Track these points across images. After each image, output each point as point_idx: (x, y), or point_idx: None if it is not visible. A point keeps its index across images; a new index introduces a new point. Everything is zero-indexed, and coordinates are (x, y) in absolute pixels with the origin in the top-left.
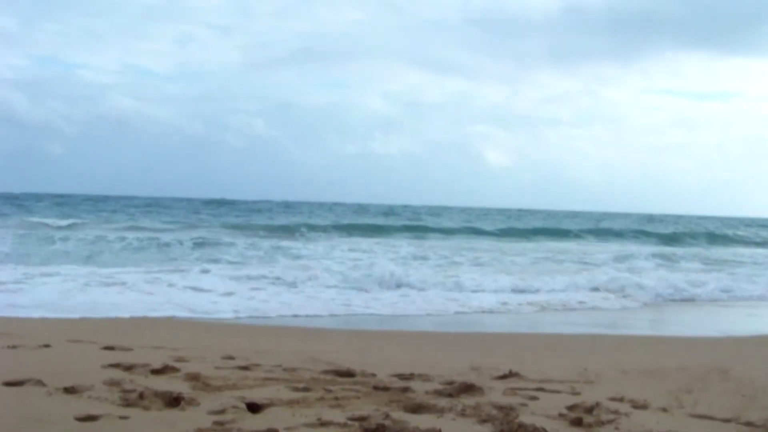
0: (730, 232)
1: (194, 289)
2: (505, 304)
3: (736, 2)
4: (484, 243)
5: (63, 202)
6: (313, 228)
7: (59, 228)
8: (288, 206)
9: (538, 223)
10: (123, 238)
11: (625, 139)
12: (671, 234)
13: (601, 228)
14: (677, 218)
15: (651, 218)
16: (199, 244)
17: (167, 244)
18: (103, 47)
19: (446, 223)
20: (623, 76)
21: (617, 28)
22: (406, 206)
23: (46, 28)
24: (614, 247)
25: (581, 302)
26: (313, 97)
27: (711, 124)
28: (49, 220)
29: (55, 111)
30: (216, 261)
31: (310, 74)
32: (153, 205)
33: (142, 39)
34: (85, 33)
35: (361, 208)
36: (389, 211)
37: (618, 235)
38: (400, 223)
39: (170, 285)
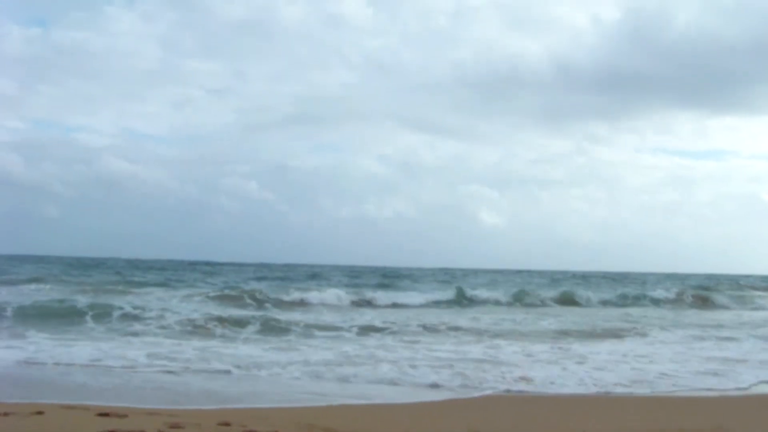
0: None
1: None
2: None
3: (725, 60)
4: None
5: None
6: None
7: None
8: (291, 269)
9: (553, 287)
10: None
11: (619, 198)
12: None
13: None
14: (685, 276)
15: (671, 276)
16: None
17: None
18: (99, 110)
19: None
20: (616, 134)
21: (608, 88)
22: (411, 269)
23: (43, 92)
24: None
25: None
26: (307, 159)
27: (705, 182)
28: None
29: (51, 173)
30: None
31: (305, 137)
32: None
33: (138, 102)
34: (82, 96)
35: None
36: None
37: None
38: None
39: None
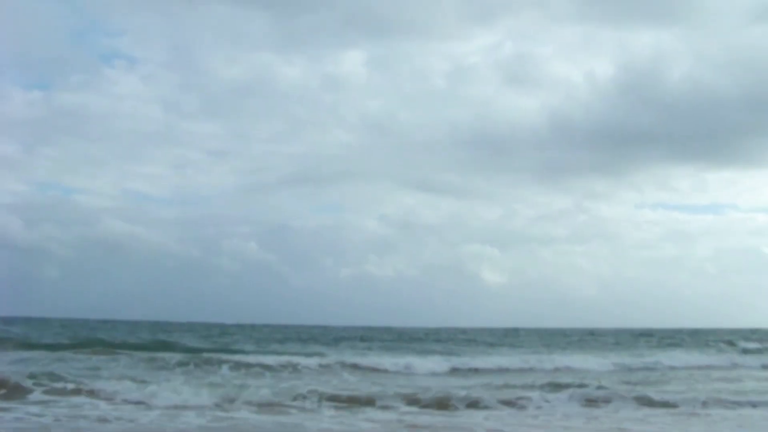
0: None
1: None
2: None
3: (719, 114)
4: None
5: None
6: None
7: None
8: (299, 331)
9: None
10: None
11: (621, 254)
12: None
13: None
14: (694, 331)
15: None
16: None
17: None
18: (100, 172)
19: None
20: (615, 190)
21: (605, 143)
22: (415, 329)
23: (45, 154)
24: None
25: None
26: (307, 219)
27: (705, 236)
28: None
29: (50, 235)
30: None
31: (305, 197)
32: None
33: (139, 163)
34: (83, 158)
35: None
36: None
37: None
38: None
39: None
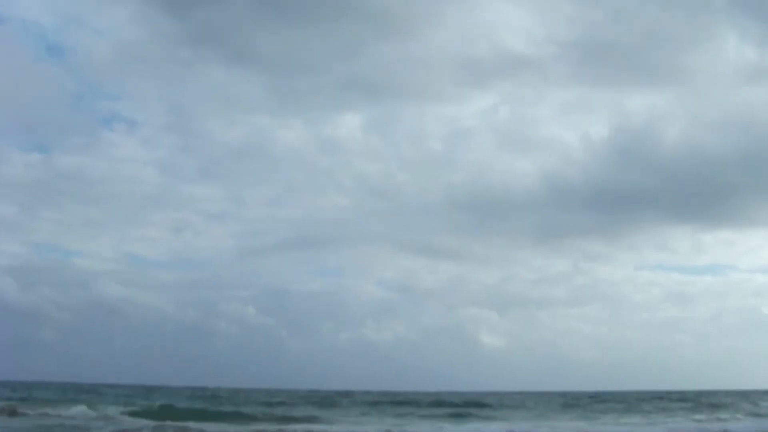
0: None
1: None
2: None
3: (715, 174)
4: None
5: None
6: None
7: None
8: (303, 396)
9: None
10: None
11: (620, 316)
12: None
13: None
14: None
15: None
16: None
17: None
18: (99, 234)
19: None
20: (613, 251)
21: (601, 204)
22: (418, 393)
23: (44, 216)
24: None
25: None
26: (305, 283)
27: (705, 297)
28: None
29: (48, 297)
30: None
31: (302, 261)
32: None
33: (138, 226)
34: (82, 221)
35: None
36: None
37: None
38: None
39: None
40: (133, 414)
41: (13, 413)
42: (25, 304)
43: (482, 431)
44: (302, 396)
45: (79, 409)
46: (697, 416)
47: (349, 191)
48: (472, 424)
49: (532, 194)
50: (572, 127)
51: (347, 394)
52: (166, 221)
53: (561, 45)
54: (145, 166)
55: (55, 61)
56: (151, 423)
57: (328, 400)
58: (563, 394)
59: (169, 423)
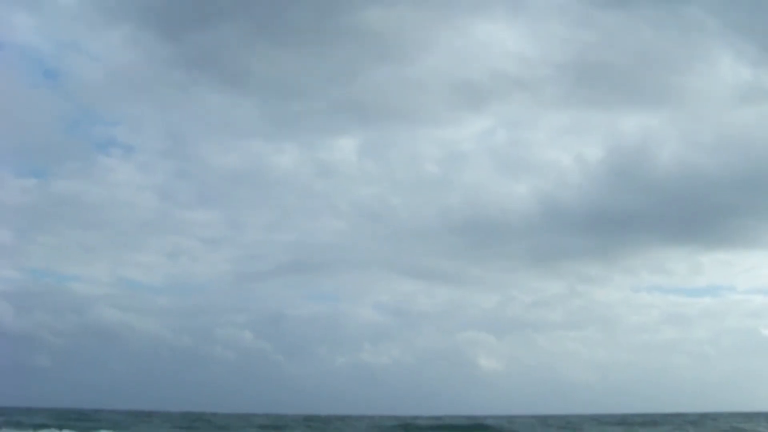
0: None
1: None
2: None
3: (710, 195)
4: None
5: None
6: None
7: None
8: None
9: None
10: None
11: (618, 338)
12: None
13: None
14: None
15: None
16: None
17: None
18: (95, 259)
19: None
20: (610, 274)
21: (597, 226)
22: (419, 417)
23: (40, 241)
24: None
25: None
26: (302, 308)
27: (703, 319)
28: None
29: (42, 322)
30: None
31: (299, 285)
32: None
33: (134, 251)
34: (78, 246)
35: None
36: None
37: None
38: None
39: None
40: None
41: None
42: (20, 329)
43: None
44: (300, 421)
45: None
46: None
47: (345, 215)
48: None
49: (527, 217)
50: (567, 149)
51: (345, 418)
52: (162, 246)
53: (555, 67)
54: (141, 191)
55: (50, 86)
56: None
57: (326, 425)
58: (563, 417)
59: None
